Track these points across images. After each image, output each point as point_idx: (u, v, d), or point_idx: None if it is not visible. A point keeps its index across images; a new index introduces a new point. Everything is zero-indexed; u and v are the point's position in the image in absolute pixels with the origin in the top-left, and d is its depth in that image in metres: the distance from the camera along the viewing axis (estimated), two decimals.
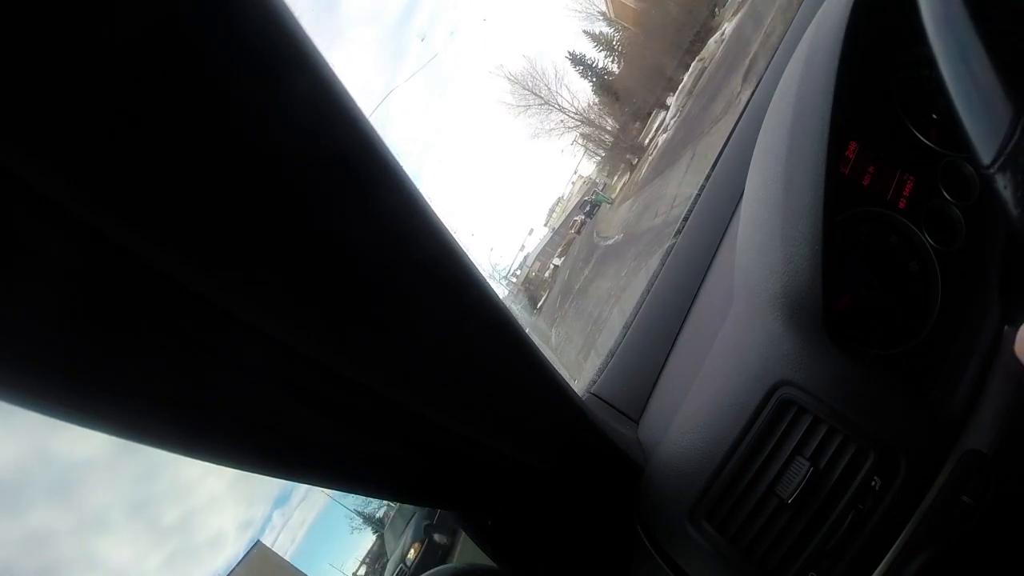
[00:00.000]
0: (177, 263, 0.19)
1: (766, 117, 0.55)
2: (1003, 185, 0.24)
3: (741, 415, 0.49)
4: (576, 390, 0.49)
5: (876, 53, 0.49)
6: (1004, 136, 0.23)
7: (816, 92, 0.47)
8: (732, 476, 0.49)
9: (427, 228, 0.25)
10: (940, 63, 0.26)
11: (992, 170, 0.24)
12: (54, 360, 0.19)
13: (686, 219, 0.75)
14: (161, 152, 0.16)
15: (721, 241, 0.68)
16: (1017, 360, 0.28)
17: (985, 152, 0.24)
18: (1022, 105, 0.23)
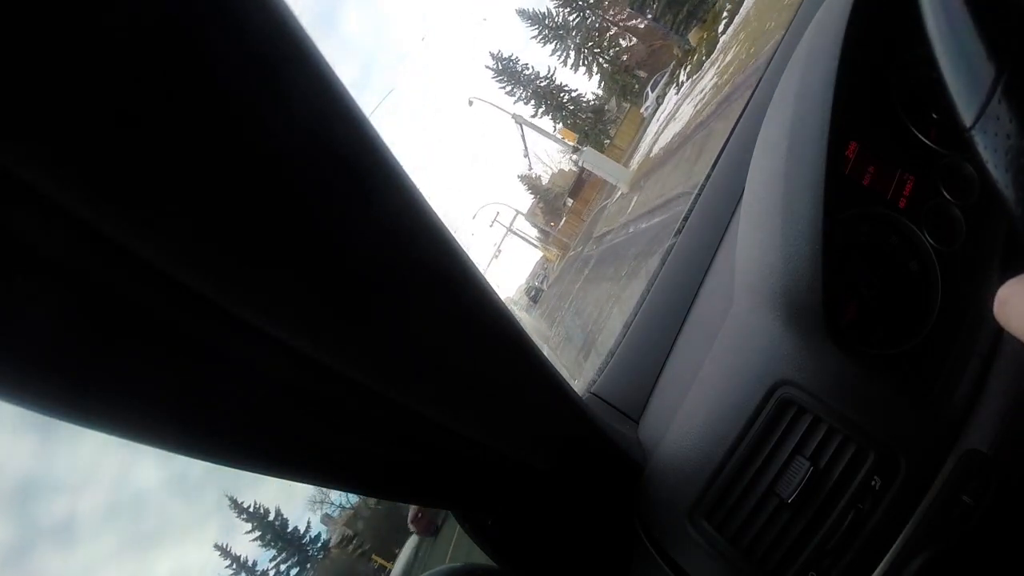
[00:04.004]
0: (178, 263, 0.19)
1: (766, 117, 0.55)
2: (983, 145, 0.25)
3: (741, 415, 0.49)
4: (576, 390, 0.49)
5: (876, 53, 0.49)
6: (984, 97, 0.24)
7: (816, 92, 0.47)
8: (732, 476, 0.49)
9: (428, 228, 0.25)
10: (927, 24, 0.26)
11: (972, 131, 0.25)
12: (54, 360, 0.19)
13: (686, 219, 0.75)
14: (162, 151, 0.16)
15: (721, 241, 0.68)
16: (1017, 360, 0.28)
17: (967, 113, 0.25)
18: (1002, 66, 0.23)
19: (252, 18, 0.16)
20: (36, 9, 0.13)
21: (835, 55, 0.46)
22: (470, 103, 15.16)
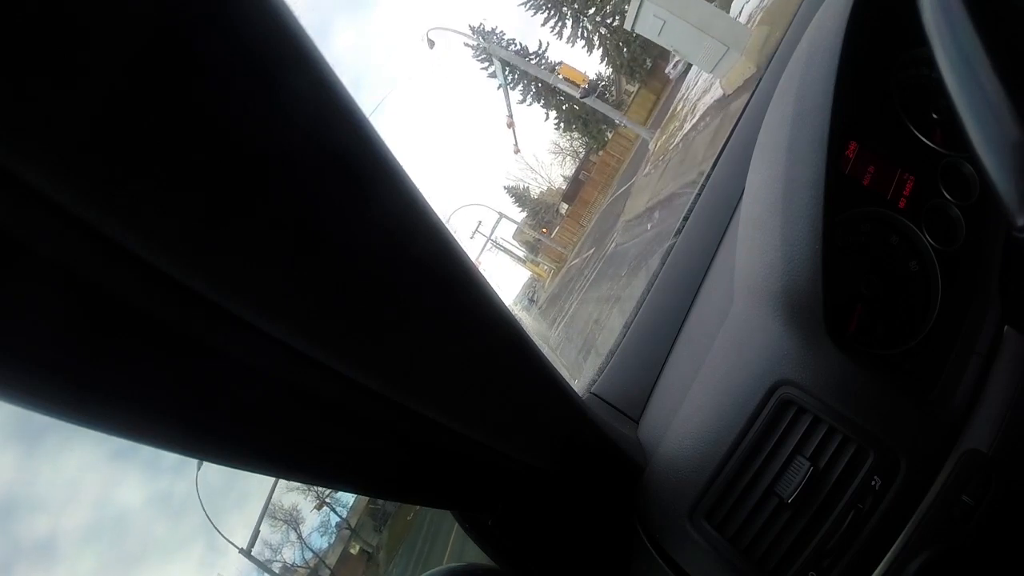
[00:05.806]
0: (178, 263, 0.19)
1: (766, 117, 0.55)
2: None
3: (741, 415, 0.49)
4: (576, 390, 0.49)
5: (876, 53, 0.49)
6: None
7: (816, 92, 0.47)
8: (732, 476, 0.49)
9: (427, 228, 0.25)
10: (964, 123, 0.25)
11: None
12: (55, 360, 0.19)
13: (686, 219, 0.75)
14: (160, 151, 0.16)
15: (721, 241, 0.68)
16: (1017, 360, 0.28)
17: (1018, 213, 0.24)
18: None
19: (252, 20, 0.17)
20: (38, 12, 0.13)
21: (835, 55, 0.46)
22: (431, 43, 10.94)
